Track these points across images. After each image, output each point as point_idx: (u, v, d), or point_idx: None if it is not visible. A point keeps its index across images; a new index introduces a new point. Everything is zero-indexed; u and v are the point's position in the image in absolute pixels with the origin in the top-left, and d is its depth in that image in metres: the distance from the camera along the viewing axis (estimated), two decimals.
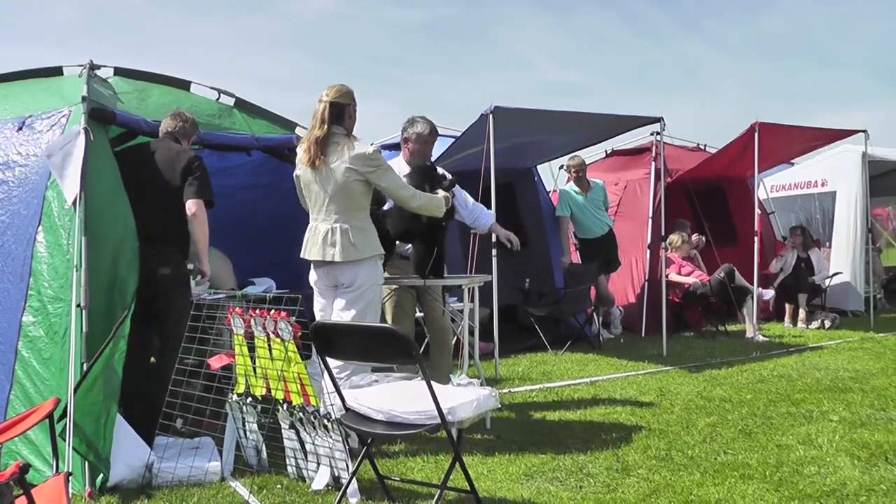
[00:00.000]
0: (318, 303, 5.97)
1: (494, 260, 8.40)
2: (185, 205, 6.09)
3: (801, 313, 12.78)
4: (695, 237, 12.63)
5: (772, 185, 15.87)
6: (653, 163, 12.54)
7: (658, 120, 10.50)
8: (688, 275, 11.96)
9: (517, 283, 10.96)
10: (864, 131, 12.85)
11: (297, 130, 7.67)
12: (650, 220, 12.05)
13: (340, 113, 5.78)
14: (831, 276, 13.50)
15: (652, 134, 12.14)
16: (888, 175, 15.87)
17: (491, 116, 8.80)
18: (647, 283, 11.70)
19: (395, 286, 6.93)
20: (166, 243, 6.06)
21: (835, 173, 14.70)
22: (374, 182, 5.78)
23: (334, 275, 5.81)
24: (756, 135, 11.42)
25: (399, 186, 5.93)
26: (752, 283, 11.70)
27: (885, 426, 6.60)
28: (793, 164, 16.04)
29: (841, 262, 13.89)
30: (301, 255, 5.95)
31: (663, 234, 10.88)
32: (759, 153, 11.50)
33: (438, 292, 6.90)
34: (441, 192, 6.34)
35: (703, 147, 14.47)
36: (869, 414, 7.01)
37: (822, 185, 15.15)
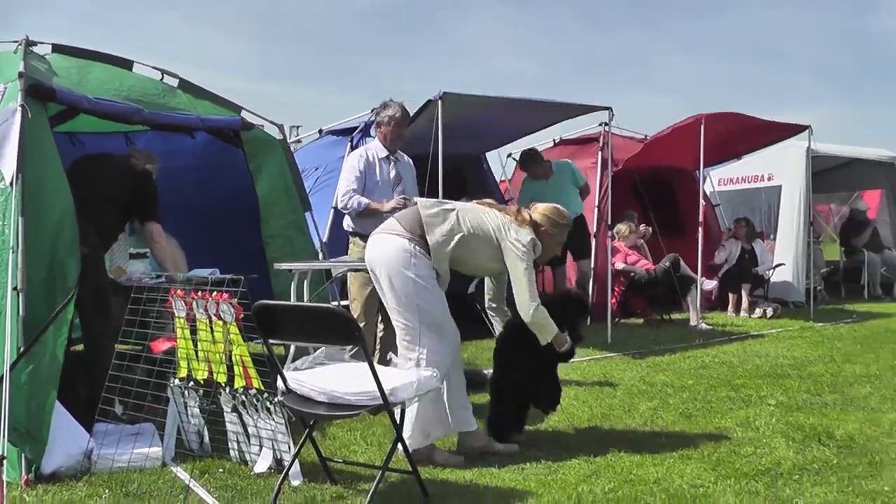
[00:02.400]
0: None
1: None
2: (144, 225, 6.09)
3: (744, 303, 12.97)
4: (641, 227, 12.73)
5: (718, 179, 16.06)
6: (600, 153, 12.63)
7: (607, 109, 10.57)
8: (633, 264, 12.04)
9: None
10: (808, 127, 13.05)
11: (244, 113, 7.65)
12: (597, 210, 12.12)
13: None
14: (774, 268, 13.71)
15: (600, 124, 12.23)
16: (831, 171, 16.15)
17: (440, 102, 8.80)
18: (593, 272, 11.77)
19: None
20: (85, 223, 5.87)
21: (780, 168, 14.92)
22: None
23: None
24: (702, 127, 11.53)
25: None
26: (696, 273, 11.84)
27: (820, 410, 6.74)
28: (740, 158, 16.23)
29: (784, 255, 14.11)
30: None
31: (610, 223, 10.94)
32: (705, 146, 11.62)
33: None
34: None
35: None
36: (805, 399, 7.14)
37: (768, 179, 15.38)
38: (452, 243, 5.40)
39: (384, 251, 5.40)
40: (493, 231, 5.48)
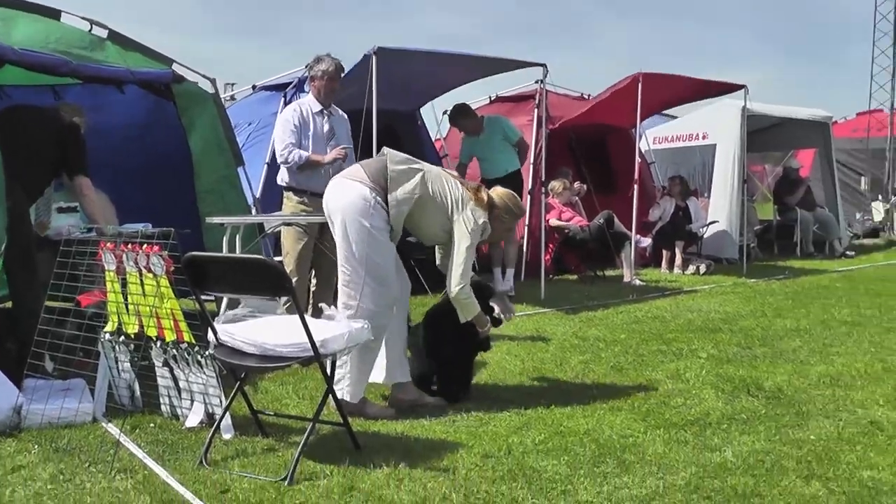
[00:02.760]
0: None
1: None
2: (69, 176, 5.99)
3: (678, 259, 13.10)
4: (576, 184, 12.78)
5: (654, 137, 16.17)
6: (536, 110, 12.63)
7: (542, 65, 10.55)
8: (568, 220, 12.09)
9: None
10: (743, 86, 13.17)
11: (175, 66, 7.54)
12: (532, 167, 12.13)
13: None
14: (707, 225, 13.87)
15: (536, 81, 12.21)
16: (766, 131, 16.35)
17: (374, 57, 8.73)
18: (527, 228, 11.81)
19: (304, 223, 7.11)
20: (10, 176, 5.76)
21: (715, 127, 15.05)
22: None
23: None
24: (639, 86, 11.58)
25: None
26: (630, 230, 11.93)
27: (750, 363, 6.86)
28: (675, 118, 16.36)
29: (718, 212, 14.28)
30: None
31: (544, 180, 10.96)
32: (641, 102, 11.67)
33: None
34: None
35: (586, 97, 14.61)
36: (736, 352, 7.26)
37: (703, 137, 15.51)
38: (412, 203, 5.41)
39: (345, 197, 5.40)
40: (451, 202, 5.50)
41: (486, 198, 5.61)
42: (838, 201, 17.07)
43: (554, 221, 11.95)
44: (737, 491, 4.12)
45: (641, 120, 12.56)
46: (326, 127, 7.51)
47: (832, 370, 6.68)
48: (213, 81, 8.19)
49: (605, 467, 4.43)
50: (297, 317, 4.33)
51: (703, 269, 12.92)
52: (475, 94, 12.93)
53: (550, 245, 12.01)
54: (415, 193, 5.42)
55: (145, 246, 5.12)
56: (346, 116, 7.80)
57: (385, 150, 5.73)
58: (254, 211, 8.47)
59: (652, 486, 4.16)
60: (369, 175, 5.42)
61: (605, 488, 4.14)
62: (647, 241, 13.23)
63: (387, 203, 5.37)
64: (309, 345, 4.32)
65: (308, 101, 7.58)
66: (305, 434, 4.40)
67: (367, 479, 4.23)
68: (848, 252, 16.20)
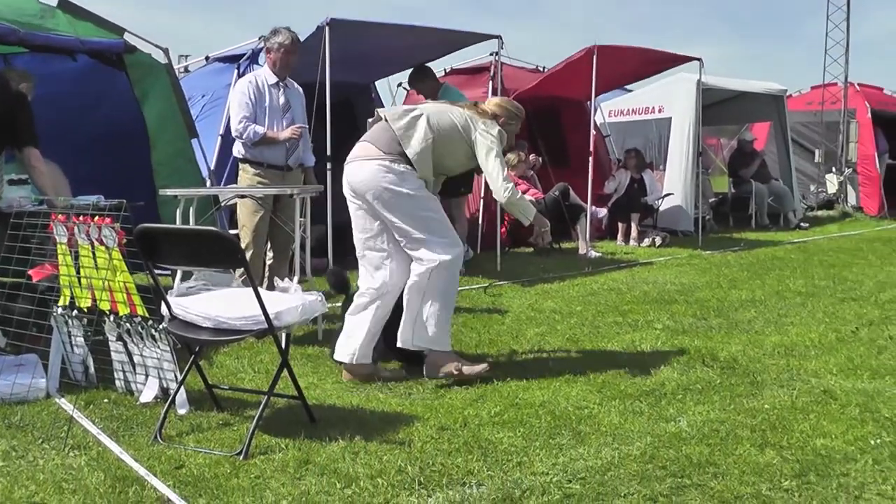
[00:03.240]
0: None
1: (329, 174, 8.30)
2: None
3: (633, 232, 13.17)
4: (531, 157, 12.77)
5: (609, 111, 16.21)
6: (490, 82, 12.59)
7: (496, 37, 10.52)
8: (523, 193, 12.07)
9: None
10: (699, 59, 13.24)
11: (126, 36, 7.44)
12: None
13: None
14: (663, 197, 13.94)
15: (491, 54, 12.17)
16: (721, 104, 16.46)
17: (327, 28, 8.66)
18: (482, 201, 11.81)
19: (260, 196, 7.04)
20: None
21: (671, 100, 15.13)
22: None
23: None
24: (594, 58, 11.59)
25: None
26: (586, 203, 11.96)
27: (705, 333, 6.92)
28: (630, 91, 16.40)
29: (673, 185, 14.37)
30: None
31: None
32: (597, 75, 11.68)
33: (293, 205, 6.82)
34: None
35: (541, 69, 14.59)
36: (691, 323, 7.32)
37: (659, 111, 15.59)
38: (430, 148, 5.53)
39: (372, 178, 5.45)
40: (461, 127, 5.61)
41: (488, 110, 5.73)
42: (793, 174, 17.23)
43: None
44: (691, 460, 4.15)
45: (598, 94, 12.58)
46: (282, 100, 7.44)
47: (786, 340, 6.75)
48: (165, 51, 8.10)
49: (560, 439, 4.45)
50: (251, 289, 4.31)
51: (658, 241, 13.01)
52: (430, 65, 12.80)
53: (506, 218, 12.01)
54: (428, 139, 5.50)
55: (97, 218, 5.05)
56: (300, 90, 7.74)
57: (379, 112, 5.78)
58: (208, 183, 8.39)
59: (607, 457, 4.18)
60: (382, 148, 5.51)
61: (560, 460, 4.15)
62: (602, 212, 13.27)
63: (410, 163, 5.45)
64: (263, 317, 4.29)
65: (263, 74, 7.51)
66: (260, 408, 4.38)
67: (323, 452, 4.23)
68: (802, 224, 16.37)
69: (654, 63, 13.53)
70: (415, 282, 5.52)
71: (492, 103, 5.83)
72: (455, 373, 5.47)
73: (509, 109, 5.80)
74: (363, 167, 5.49)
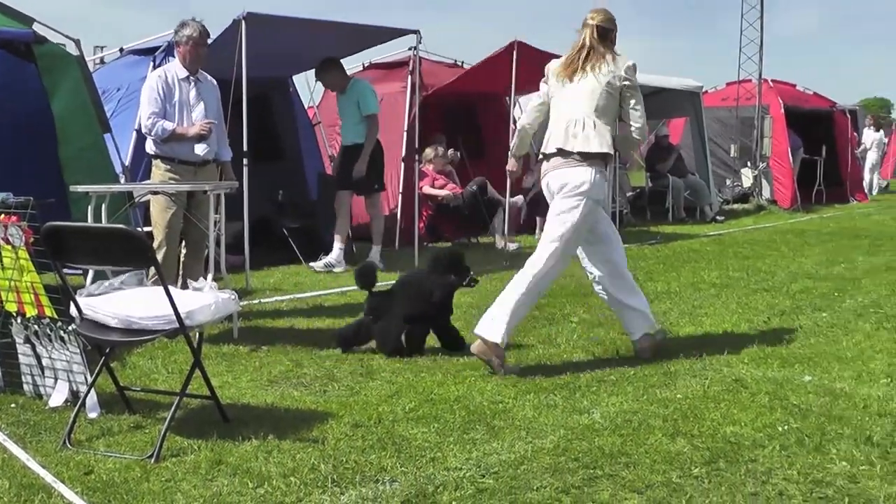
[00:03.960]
0: None
1: (245, 170, 8.21)
2: None
3: None
4: (450, 152, 12.80)
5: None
6: (409, 77, 12.58)
7: (415, 32, 10.49)
8: (441, 188, 12.12)
9: (271, 195, 10.79)
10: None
11: (36, 26, 7.28)
12: (405, 134, 12.10)
13: (605, 36, 6.00)
14: None
15: (409, 48, 12.17)
16: (645, 99, 16.58)
17: (243, 22, 8.55)
18: (401, 196, 11.79)
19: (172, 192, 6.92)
20: None
21: None
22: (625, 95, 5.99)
23: None
24: (515, 53, 11.62)
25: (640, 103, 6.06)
26: (504, 197, 12.00)
27: (620, 325, 6.94)
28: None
29: None
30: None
31: (417, 147, 10.93)
32: (518, 72, 11.71)
33: (207, 201, 6.74)
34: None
35: (460, 64, 14.61)
36: (607, 315, 7.34)
37: None
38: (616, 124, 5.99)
39: (590, 184, 5.78)
40: (604, 86, 5.85)
41: (590, 42, 5.94)
42: (709, 168, 17.55)
43: (427, 189, 11.97)
44: (603, 451, 4.19)
45: (520, 92, 12.63)
46: (193, 94, 7.31)
47: (700, 331, 6.90)
48: (77, 42, 7.96)
49: (474, 433, 4.46)
50: (161, 288, 4.24)
51: None
52: (348, 60, 12.73)
53: (424, 213, 12.03)
54: (616, 122, 6.02)
55: (2, 216, 4.94)
56: (215, 83, 7.62)
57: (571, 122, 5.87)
58: (122, 179, 8.26)
59: (520, 451, 4.20)
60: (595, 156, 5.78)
61: (473, 454, 4.16)
62: (520, 200, 13.26)
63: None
64: (174, 317, 4.23)
65: (174, 67, 7.38)
66: (171, 409, 4.32)
67: (236, 452, 4.18)
68: (718, 217, 16.66)
69: None
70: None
71: (597, 17, 6.01)
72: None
73: (612, 17, 6.10)
74: (582, 172, 5.85)
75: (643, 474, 3.92)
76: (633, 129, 6.08)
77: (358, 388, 5.32)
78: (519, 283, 5.89)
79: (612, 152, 5.89)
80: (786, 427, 4.59)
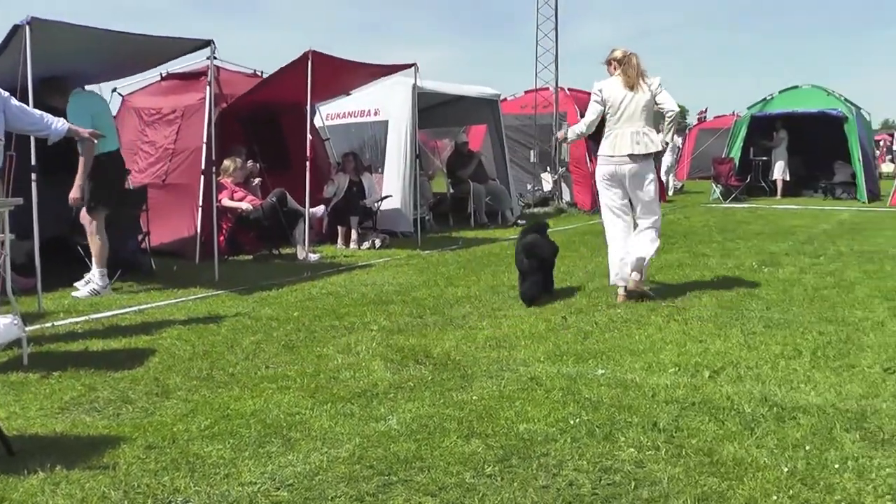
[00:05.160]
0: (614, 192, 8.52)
1: (34, 185, 7.87)
2: None
3: (353, 235, 13.25)
4: (249, 163, 12.65)
5: (328, 114, 16.25)
6: (208, 87, 12.33)
7: (208, 44, 10.29)
8: (240, 200, 11.96)
9: (65, 213, 10.33)
10: (413, 65, 13.49)
11: None
12: (204, 146, 11.88)
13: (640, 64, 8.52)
14: (381, 200, 14.10)
15: (206, 58, 11.94)
16: (439, 107, 16.91)
17: (28, 28, 8.16)
18: (200, 209, 11.57)
19: None
20: None
21: (388, 103, 15.35)
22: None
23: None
24: (310, 63, 11.56)
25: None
26: (304, 207, 11.93)
27: (420, 331, 7.06)
28: (349, 94, 16.52)
29: (392, 187, 14.56)
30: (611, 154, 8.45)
31: (215, 159, 10.75)
32: (315, 83, 11.66)
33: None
34: None
35: (259, 73, 14.41)
36: (407, 322, 7.44)
37: (376, 114, 15.77)
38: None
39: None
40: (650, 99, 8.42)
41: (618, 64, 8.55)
42: (509, 173, 17.92)
43: (227, 201, 11.79)
44: (399, 457, 4.22)
45: (318, 101, 12.58)
46: None
47: (499, 333, 7.01)
48: None
49: (270, 447, 4.42)
50: None
51: (378, 243, 13.20)
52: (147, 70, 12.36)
53: (224, 226, 11.83)
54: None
55: None
56: (2, 92, 7.21)
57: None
58: None
59: (316, 462, 4.18)
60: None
61: (269, 468, 4.12)
62: (321, 209, 13.21)
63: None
64: None
65: None
66: None
67: (20, 486, 3.98)
68: (520, 221, 17.00)
69: (373, 73, 13.65)
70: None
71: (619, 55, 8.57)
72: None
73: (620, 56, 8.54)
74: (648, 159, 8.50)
75: (437, 477, 3.97)
76: (667, 118, 8.59)
77: (153, 408, 5.17)
78: (650, 230, 8.50)
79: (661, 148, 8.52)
80: (577, 420, 4.76)
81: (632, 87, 8.31)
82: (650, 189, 8.41)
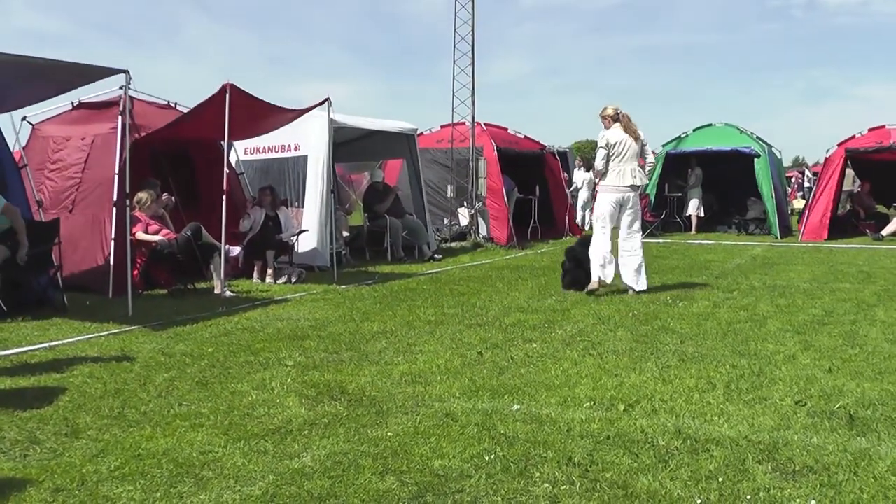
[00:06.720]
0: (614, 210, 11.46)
1: None
2: None
3: (269, 269, 13.15)
4: (164, 196, 12.52)
5: (245, 148, 16.18)
6: (120, 117, 12.16)
7: (124, 71, 10.16)
8: (155, 233, 11.80)
9: None
10: (327, 100, 13.51)
11: None
12: (116, 178, 11.71)
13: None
14: (298, 234, 14.05)
15: (120, 87, 11.78)
16: (355, 142, 17.04)
17: None
18: (113, 243, 11.39)
19: None
20: None
21: (305, 138, 15.32)
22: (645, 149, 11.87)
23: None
24: (227, 96, 11.46)
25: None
26: (220, 241, 11.82)
27: (336, 367, 7.04)
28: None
29: (310, 221, 14.52)
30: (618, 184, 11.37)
31: (129, 191, 10.60)
32: (232, 123, 11.54)
33: None
34: None
35: (174, 105, 14.26)
36: (323, 357, 7.41)
37: (295, 149, 15.72)
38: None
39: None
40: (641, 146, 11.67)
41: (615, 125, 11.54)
42: (426, 207, 17.95)
43: (140, 235, 11.62)
44: (313, 494, 4.20)
45: (236, 139, 12.45)
46: None
47: (415, 368, 7.01)
48: None
49: (181, 487, 4.36)
50: None
51: (294, 278, 13.11)
52: (57, 98, 12.15)
53: (138, 259, 11.66)
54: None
55: None
56: None
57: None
58: None
59: (228, 501, 4.15)
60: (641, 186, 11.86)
61: None
62: (236, 251, 13.13)
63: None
64: None
65: None
66: None
67: None
68: (436, 255, 17.05)
69: (289, 118, 13.58)
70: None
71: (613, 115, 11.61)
72: None
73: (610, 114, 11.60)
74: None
75: None
76: (648, 164, 11.88)
77: (62, 449, 5.05)
78: (636, 250, 11.46)
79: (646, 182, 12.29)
80: (493, 456, 4.78)
81: (629, 134, 11.36)
82: (638, 210, 11.57)
